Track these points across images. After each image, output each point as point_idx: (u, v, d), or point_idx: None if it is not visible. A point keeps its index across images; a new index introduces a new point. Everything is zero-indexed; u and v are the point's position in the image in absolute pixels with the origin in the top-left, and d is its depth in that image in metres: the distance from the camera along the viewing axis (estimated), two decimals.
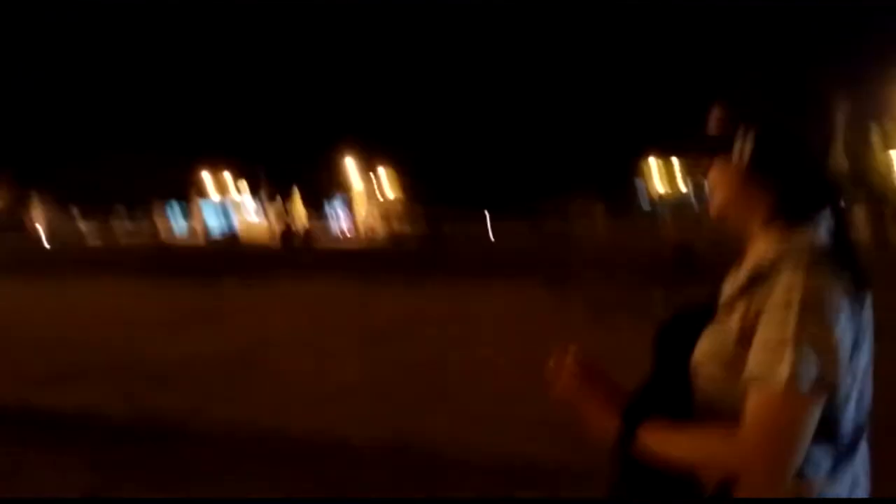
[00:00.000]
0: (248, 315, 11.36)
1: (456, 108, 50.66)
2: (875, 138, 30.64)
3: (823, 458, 1.14)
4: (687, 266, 12.14)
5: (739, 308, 1.17)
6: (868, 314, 1.19)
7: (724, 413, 1.15)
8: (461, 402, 5.98)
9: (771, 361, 1.08)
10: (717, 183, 1.27)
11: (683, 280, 9.45)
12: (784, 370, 1.07)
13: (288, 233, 31.10)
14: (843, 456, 1.16)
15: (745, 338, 1.14)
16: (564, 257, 15.67)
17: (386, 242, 31.55)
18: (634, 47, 47.12)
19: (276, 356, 8.25)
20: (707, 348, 1.20)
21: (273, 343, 9.06)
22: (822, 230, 1.19)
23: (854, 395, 1.16)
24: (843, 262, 1.14)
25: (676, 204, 32.37)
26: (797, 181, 1.21)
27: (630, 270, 12.79)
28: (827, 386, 1.08)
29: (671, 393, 1.23)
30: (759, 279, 1.17)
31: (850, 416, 1.16)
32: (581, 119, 48.32)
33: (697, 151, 1.33)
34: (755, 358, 1.11)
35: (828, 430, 1.12)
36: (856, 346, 1.14)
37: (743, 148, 1.20)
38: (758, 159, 1.20)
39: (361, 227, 38.34)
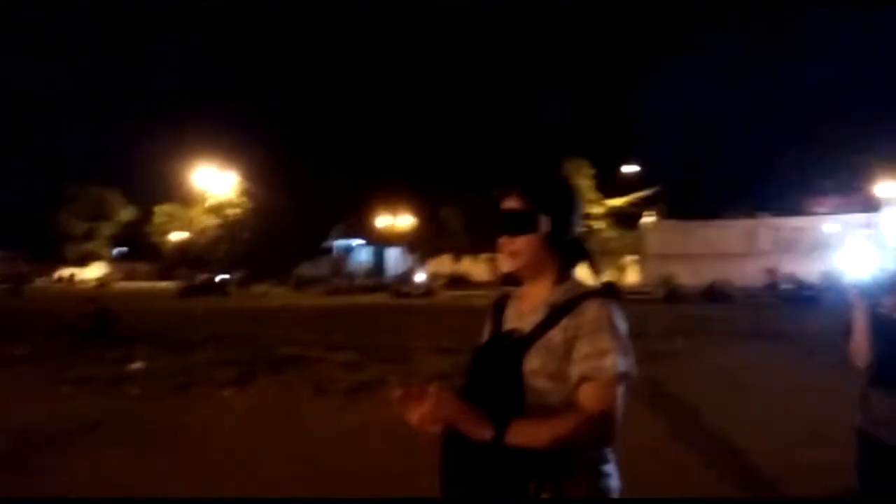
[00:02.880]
0: None
1: None
2: None
3: None
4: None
5: (556, 333, 1.65)
6: None
7: (552, 408, 1.61)
8: None
9: (600, 363, 1.60)
10: (522, 250, 1.75)
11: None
12: (611, 367, 1.60)
13: None
14: None
15: (567, 354, 1.63)
16: None
17: None
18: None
19: None
20: (537, 365, 1.63)
21: None
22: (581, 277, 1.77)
23: None
24: (613, 296, 1.71)
25: None
26: (571, 247, 1.79)
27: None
28: (632, 374, 1.63)
29: (501, 397, 1.61)
30: (560, 312, 1.67)
31: None
32: None
33: (512, 228, 1.76)
34: (586, 364, 1.60)
35: None
36: None
37: (544, 227, 1.73)
38: (552, 235, 1.75)
39: None
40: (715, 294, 27.41)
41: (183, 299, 32.51)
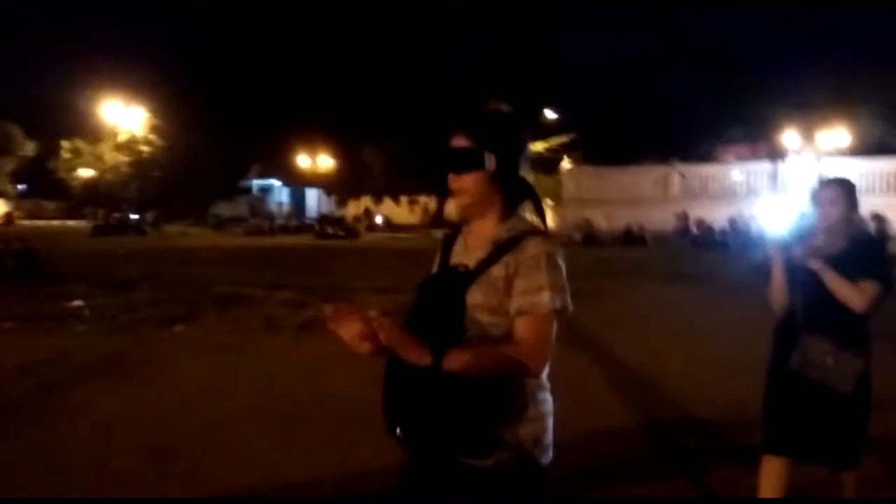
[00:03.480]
0: None
1: None
2: None
3: None
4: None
5: (499, 269, 1.73)
6: None
7: (493, 340, 1.71)
8: None
9: (536, 299, 1.69)
10: (469, 187, 1.81)
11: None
12: (547, 303, 1.69)
13: None
14: None
15: (507, 288, 1.72)
16: None
17: None
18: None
19: None
20: (480, 298, 1.72)
21: None
22: (527, 215, 1.86)
23: None
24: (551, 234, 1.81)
25: None
26: (516, 185, 1.85)
27: None
28: (566, 310, 1.72)
29: (443, 328, 1.68)
30: (503, 249, 1.75)
31: None
32: None
33: (459, 166, 1.81)
34: (523, 298, 1.70)
35: None
36: None
37: (490, 163, 1.78)
38: (498, 170, 1.79)
39: None
40: (630, 237, 28.67)
41: (98, 238, 31.56)
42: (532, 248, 1.73)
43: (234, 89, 51.98)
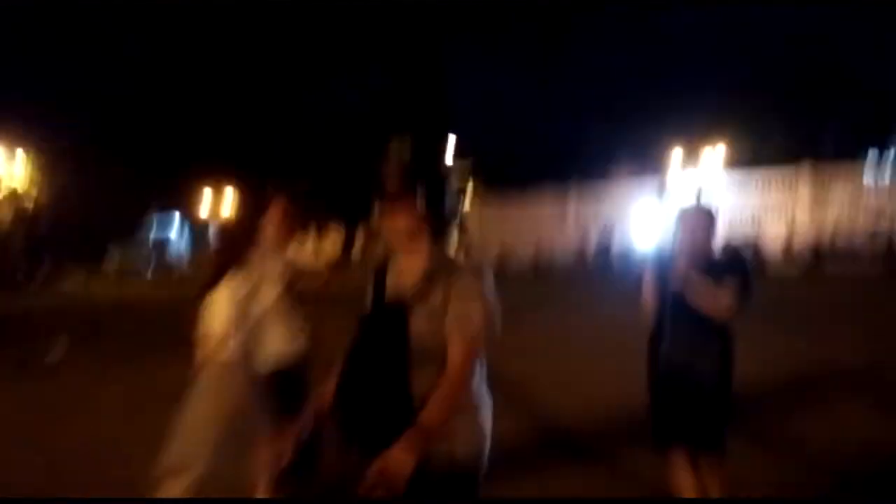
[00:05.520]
0: None
1: None
2: None
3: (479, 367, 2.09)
4: None
5: (435, 295, 1.97)
6: None
7: (432, 350, 1.94)
8: None
9: (468, 321, 1.95)
10: (403, 222, 2.04)
11: None
12: (476, 324, 1.96)
13: None
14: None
15: (443, 310, 1.96)
16: None
17: None
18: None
19: None
20: (424, 327, 1.96)
21: None
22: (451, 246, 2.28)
23: None
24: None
25: None
26: (442, 222, 2.10)
27: None
28: (496, 332, 2.00)
29: (391, 355, 1.93)
30: (435, 276, 1.99)
31: None
32: None
33: (393, 204, 2.04)
34: (457, 322, 1.94)
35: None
36: None
37: (421, 197, 2.03)
38: (427, 204, 2.05)
39: None
40: (538, 270, 30.10)
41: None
42: (463, 277, 1.98)
43: (128, 135, 50.69)
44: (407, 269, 2.05)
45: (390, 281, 2.07)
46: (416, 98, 46.34)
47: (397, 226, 2.02)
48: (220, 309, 3.27)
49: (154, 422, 5.77)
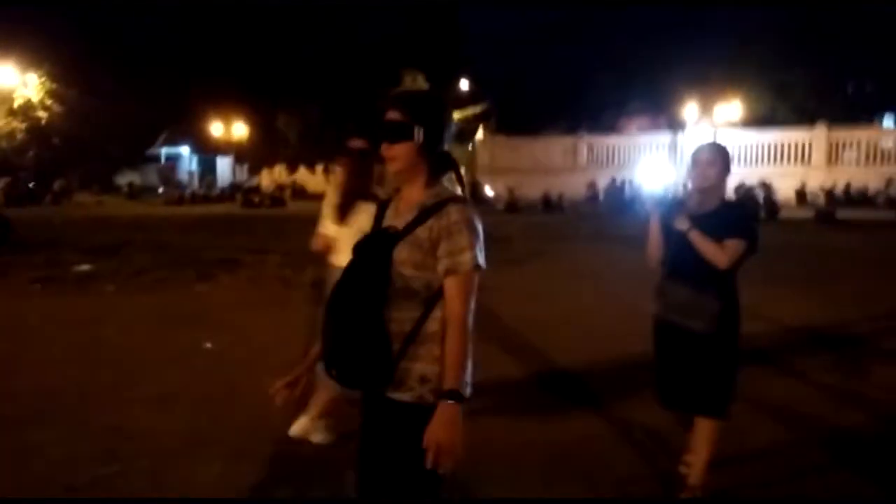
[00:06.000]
0: None
1: None
2: None
3: None
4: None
5: (423, 231, 1.98)
6: None
7: (415, 291, 1.98)
8: None
9: (459, 259, 1.96)
10: (399, 156, 2.04)
11: None
12: (469, 262, 1.96)
13: None
14: None
15: (432, 248, 1.98)
16: None
17: None
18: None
19: None
20: (406, 255, 1.99)
21: None
22: (449, 183, 2.10)
23: None
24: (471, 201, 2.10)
25: None
26: (440, 157, 2.09)
27: None
28: (482, 267, 2.00)
29: (375, 280, 1.97)
30: (428, 212, 2.00)
31: None
32: None
33: (391, 137, 2.04)
34: (449, 259, 1.95)
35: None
36: None
37: (418, 136, 2.02)
38: (425, 143, 2.03)
39: None
40: (549, 205, 30.52)
41: (12, 207, 30.53)
42: (454, 214, 1.98)
43: (141, 55, 50.40)
44: (404, 202, 2.11)
45: (389, 213, 2.15)
46: (429, 39, 45.88)
47: (394, 161, 2.06)
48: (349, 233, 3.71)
49: (177, 333, 6.45)
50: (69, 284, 9.43)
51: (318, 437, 4.07)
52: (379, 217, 2.16)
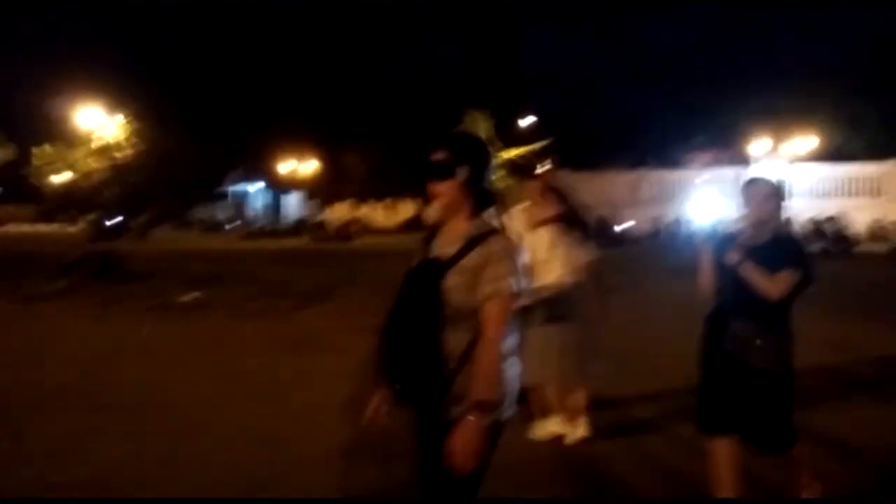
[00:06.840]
0: None
1: None
2: None
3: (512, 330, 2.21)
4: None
5: (469, 260, 2.12)
6: None
7: (465, 313, 2.10)
8: None
9: (500, 284, 2.09)
10: (445, 192, 2.21)
11: None
12: (507, 288, 2.09)
13: None
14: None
15: (478, 275, 2.11)
16: None
17: None
18: None
19: None
20: (454, 282, 2.12)
21: None
22: (491, 218, 2.26)
23: None
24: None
25: None
26: (483, 193, 2.25)
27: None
28: (521, 293, 2.15)
29: (426, 307, 2.11)
30: (473, 243, 2.14)
31: None
32: None
33: (437, 175, 2.21)
34: (490, 285, 2.08)
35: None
36: None
37: (462, 174, 2.19)
38: (469, 181, 2.21)
39: None
40: (620, 237, 30.89)
41: (101, 241, 32.06)
42: (496, 244, 2.12)
43: (214, 94, 52.57)
44: (449, 234, 2.24)
45: (435, 244, 2.27)
46: (491, 76, 46.67)
47: (440, 196, 2.22)
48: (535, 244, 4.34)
49: (294, 356, 6.94)
50: (183, 311, 10.11)
51: (577, 434, 4.46)
52: (425, 248, 2.29)
